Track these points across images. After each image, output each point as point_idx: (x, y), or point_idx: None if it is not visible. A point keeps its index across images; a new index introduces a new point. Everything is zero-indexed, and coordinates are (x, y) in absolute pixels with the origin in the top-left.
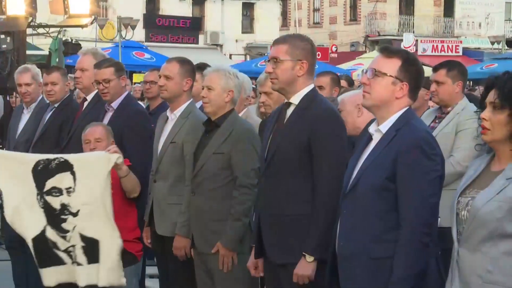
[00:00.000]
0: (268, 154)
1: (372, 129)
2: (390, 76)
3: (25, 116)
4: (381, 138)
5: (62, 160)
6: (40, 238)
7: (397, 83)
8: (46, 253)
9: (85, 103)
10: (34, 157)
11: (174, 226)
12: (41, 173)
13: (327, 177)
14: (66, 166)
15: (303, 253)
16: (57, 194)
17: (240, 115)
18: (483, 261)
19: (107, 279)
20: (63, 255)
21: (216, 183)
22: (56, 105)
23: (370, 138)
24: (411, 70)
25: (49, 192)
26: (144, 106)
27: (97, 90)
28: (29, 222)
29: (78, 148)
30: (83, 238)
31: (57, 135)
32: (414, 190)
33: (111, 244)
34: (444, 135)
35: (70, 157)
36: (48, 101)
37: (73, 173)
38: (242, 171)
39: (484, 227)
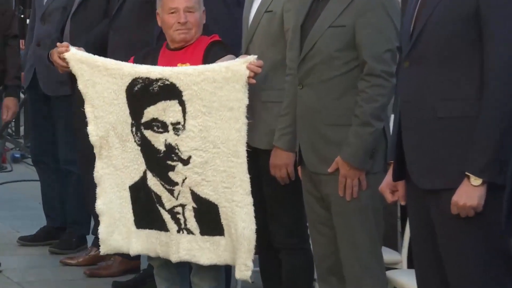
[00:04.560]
0: (415, 28)
1: None
2: None
3: None
4: None
5: (167, 82)
6: (140, 187)
7: None
8: (147, 209)
9: None
10: (130, 71)
11: (271, 135)
12: (137, 96)
13: (504, 62)
14: (173, 92)
15: (466, 173)
16: (160, 129)
17: None
18: None
19: (241, 267)
20: (167, 217)
21: (333, 70)
22: None
23: None
24: None
25: (149, 125)
26: None
27: None
28: (122, 163)
29: (131, 19)
30: (196, 197)
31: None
32: None
33: (238, 214)
34: None
35: (181, 80)
36: None
37: (182, 103)
38: (372, 53)
39: None
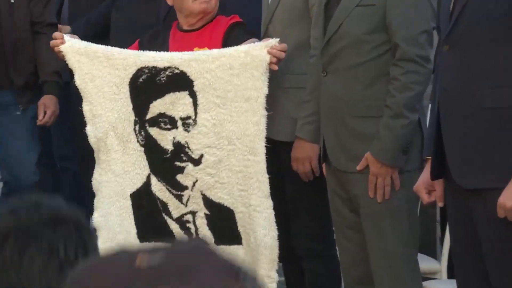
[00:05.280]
0: (456, 6)
1: None
2: None
3: None
4: None
5: (176, 71)
6: (143, 194)
7: None
8: (151, 219)
9: None
10: (135, 60)
11: (293, 125)
12: (142, 89)
13: None
14: (183, 82)
15: None
16: (168, 126)
17: None
18: None
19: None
20: (175, 227)
21: (361, 55)
22: None
23: None
24: None
25: (155, 122)
26: None
27: None
28: (122, 167)
29: None
30: (208, 203)
31: None
32: None
33: (257, 219)
34: None
35: (192, 68)
36: None
37: (192, 94)
38: (405, 35)
39: None
